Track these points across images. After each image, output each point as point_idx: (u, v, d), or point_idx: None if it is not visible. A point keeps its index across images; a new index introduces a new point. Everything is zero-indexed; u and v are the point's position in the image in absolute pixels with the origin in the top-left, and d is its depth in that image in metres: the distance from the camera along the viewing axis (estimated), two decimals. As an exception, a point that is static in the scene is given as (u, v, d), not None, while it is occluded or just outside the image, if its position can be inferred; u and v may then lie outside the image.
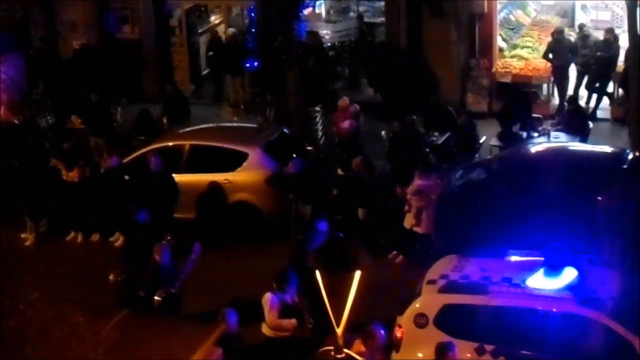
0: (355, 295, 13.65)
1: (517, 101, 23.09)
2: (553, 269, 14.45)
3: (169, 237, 18.47)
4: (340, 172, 21.07)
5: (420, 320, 14.27)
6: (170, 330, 16.08)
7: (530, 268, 14.60)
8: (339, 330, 13.70)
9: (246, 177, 20.27)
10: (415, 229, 18.46)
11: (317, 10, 29.46)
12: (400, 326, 14.50)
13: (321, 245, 16.41)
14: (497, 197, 18.59)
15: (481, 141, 22.35)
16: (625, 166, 18.72)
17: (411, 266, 18.27)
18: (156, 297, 15.86)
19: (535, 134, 22.11)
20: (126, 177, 20.38)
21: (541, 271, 14.44)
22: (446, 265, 15.10)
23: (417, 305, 14.46)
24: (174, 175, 19.88)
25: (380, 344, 13.77)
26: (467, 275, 14.64)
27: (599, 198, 17.33)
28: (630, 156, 19.27)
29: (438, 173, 19.34)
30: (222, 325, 14.73)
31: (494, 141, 22.32)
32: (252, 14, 28.23)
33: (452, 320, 14.08)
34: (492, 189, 18.79)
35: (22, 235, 20.79)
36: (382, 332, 13.83)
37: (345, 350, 13.99)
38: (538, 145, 20.93)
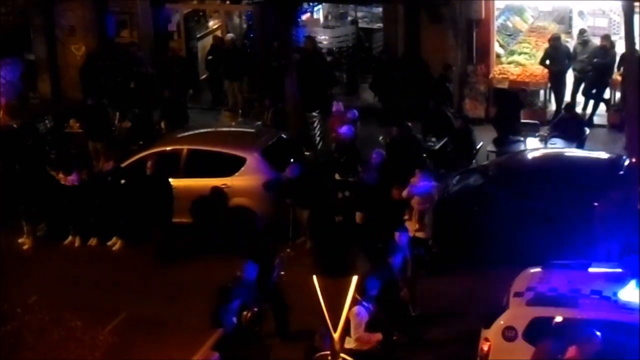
0: (352, 300, 13.72)
1: (508, 102, 23.17)
2: None
3: (288, 250, 18.64)
4: (337, 176, 21.10)
5: (509, 334, 13.97)
6: (167, 334, 16.11)
7: (618, 280, 14.27)
8: (336, 335, 13.73)
9: (244, 181, 20.29)
10: (418, 234, 18.40)
11: (315, 16, 29.51)
12: (487, 340, 14.22)
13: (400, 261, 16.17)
14: (494, 203, 18.65)
15: (478, 147, 22.39)
16: (621, 172, 18.76)
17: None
18: (244, 312, 15.58)
19: (532, 139, 22.17)
20: (123, 181, 20.42)
21: (633, 283, 14.11)
22: (531, 277, 14.80)
23: (506, 319, 14.16)
24: (171, 179, 19.89)
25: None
26: (554, 287, 14.31)
27: (596, 204, 17.37)
28: (627, 162, 19.32)
29: (436, 178, 19.37)
30: (219, 330, 14.72)
31: (491, 147, 22.37)
32: (251, 20, 28.26)
33: (541, 334, 13.71)
34: (489, 194, 18.83)
35: (20, 240, 20.80)
36: None
37: (342, 355, 14.04)
38: (535, 151, 20.97)
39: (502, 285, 17.60)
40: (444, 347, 16.43)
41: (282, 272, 16.68)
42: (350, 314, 14.65)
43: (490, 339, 14.16)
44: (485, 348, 14.17)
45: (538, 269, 15.06)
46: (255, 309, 15.63)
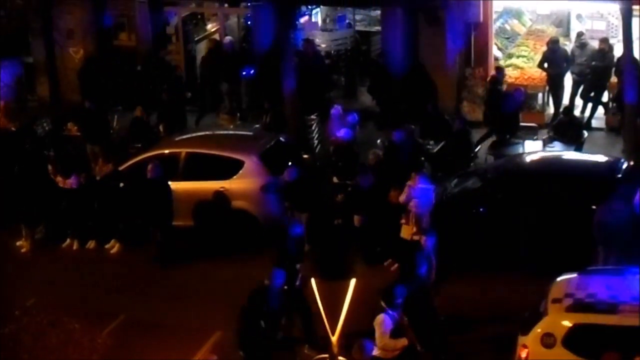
0: (350, 303, 13.72)
1: (504, 101, 23.20)
2: None
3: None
4: (335, 180, 21.10)
5: (547, 341, 13.90)
6: (166, 337, 16.12)
7: None
8: (334, 339, 13.74)
9: (242, 184, 20.29)
10: (416, 237, 18.39)
11: (313, 19, 29.52)
12: (525, 346, 14.12)
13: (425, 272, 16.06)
14: (492, 206, 18.65)
15: (476, 149, 22.39)
16: (619, 175, 18.76)
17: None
18: (272, 319, 15.58)
19: (531, 142, 22.17)
20: (121, 185, 20.43)
21: None
22: (568, 283, 14.70)
23: (544, 325, 14.05)
24: (170, 182, 19.89)
25: None
26: (593, 293, 14.20)
27: (594, 207, 17.37)
28: (625, 165, 19.33)
29: (434, 181, 19.37)
30: (217, 333, 14.73)
31: (489, 150, 22.37)
32: (249, 23, 28.26)
33: (581, 340, 13.69)
34: (487, 197, 18.83)
35: (18, 243, 20.79)
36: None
37: (340, 358, 14.04)
38: (533, 154, 20.97)
39: (503, 288, 17.77)
40: (478, 353, 16.28)
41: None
42: (375, 323, 14.67)
43: (529, 345, 14.07)
44: (524, 355, 14.08)
45: (574, 275, 14.99)
46: (283, 316, 15.61)
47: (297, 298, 16.30)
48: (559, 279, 14.95)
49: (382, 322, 14.60)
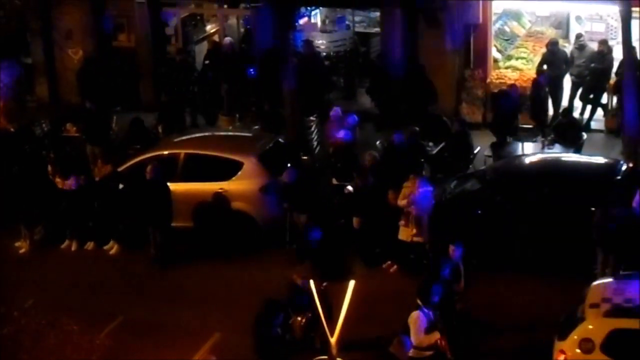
0: (349, 304, 13.72)
1: (504, 103, 23.20)
2: None
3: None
4: (335, 181, 21.09)
5: (586, 346, 13.84)
6: (164, 338, 16.11)
7: None
8: (333, 340, 13.74)
9: (241, 186, 20.27)
10: (416, 239, 18.38)
11: (312, 20, 29.52)
12: (563, 352, 14.09)
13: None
14: (492, 208, 18.64)
15: (476, 151, 22.39)
16: (619, 177, 18.76)
17: (405, 276, 18.30)
18: (298, 318, 15.69)
19: (531, 144, 22.19)
20: (121, 186, 20.41)
21: None
22: (605, 288, 14.67)
23: (582, 330, 14.01)
24: (169, 183, 19.88)
25: None
26: (631, 298, 14.16)
27: (593, 209, 17.36)
28: (624, 167, 19.32)
29: (433, 183, 19.37)
30: (216, 335, 14.74)
31: (488, 151, 22.38)
32: (248, 24, 28.26)
33: (620, 346, 13.63)
34: (487, 199, 18.82)
35: (17, 244, 20.77)
36: None
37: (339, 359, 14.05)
38: (532, 156, 20.97)
39: (504, 290, 17.76)
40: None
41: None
42: (410, 320, 14.62)
43: (567, 350, 14.04)
44: None
45: (610, 280, 15.02)
46: (309, 315, 15.58)
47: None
48: (594, 283, 14.96)
49: (417, 319, 14.55)
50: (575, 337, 14.00)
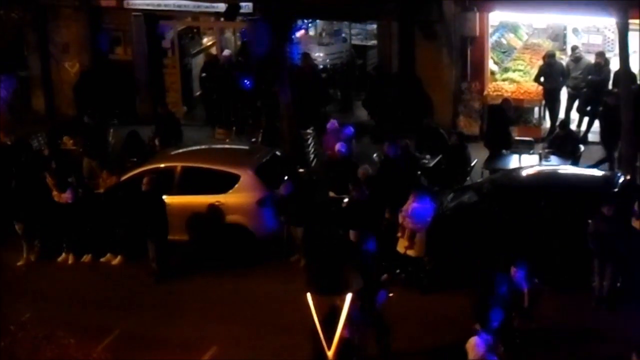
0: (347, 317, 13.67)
1: (496, 117, 23.19)
2: None
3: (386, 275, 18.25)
4: (332, 194, 21.07)
5: None
6: (161, 351, 16.06)
7: None
8: (330, 354, 13.69)
9: (238, 199, 20.26)
10: (409, 252, 18.41)
11: (309, 33, 29.55)
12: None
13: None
14: (489, 220, 18.62)
15: (473, 164, 22.38)
16: (616, 190, 18.76)
17: (403, 289, 18.27)
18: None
19: (528, 157, 22.18)
20: (117, 198, 20.41)
21: None
22: None
23: None
24: (165, 196, 19.86)
25: None
26: None
27: (590, 222, 17.36)
28: (621, 180, 19.32)
29: (432, 196, 19.32)
30: (213, 348, 14.70)
31: (485, 164, 22.37)
32: (245, 37, 28.28)
33: None
34: (484, 212, 18.80)
35: (18, 263, 20.73)
36: None
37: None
38: (529, 168, 20.96)
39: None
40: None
41: (391, 294, 16.44)
42: (467, 346, 14.29)
43: None
44: None
45: None
46: (360, 331, 15.39)
47: (378, 315, 16.07)
48: None
49: (475, 345, 14.18)
50: None
